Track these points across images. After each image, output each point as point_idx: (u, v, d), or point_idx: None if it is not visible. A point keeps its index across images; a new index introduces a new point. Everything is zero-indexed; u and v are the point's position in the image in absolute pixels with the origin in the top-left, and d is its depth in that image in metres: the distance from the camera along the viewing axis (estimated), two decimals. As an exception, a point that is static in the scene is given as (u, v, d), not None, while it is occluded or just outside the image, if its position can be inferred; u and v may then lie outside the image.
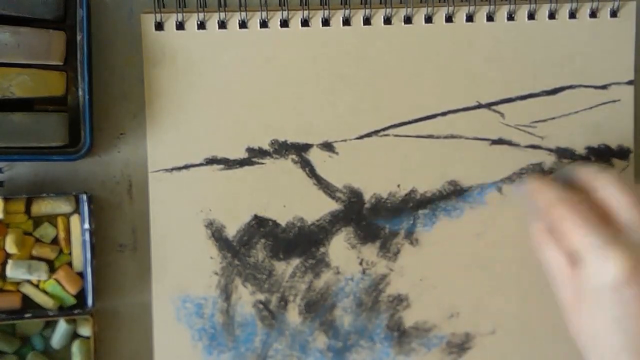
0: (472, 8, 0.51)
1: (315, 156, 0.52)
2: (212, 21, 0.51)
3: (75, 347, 0.50)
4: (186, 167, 0.51)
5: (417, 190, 0.52)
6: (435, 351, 0.53)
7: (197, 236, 0.51)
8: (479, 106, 0.52)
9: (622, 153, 0.53)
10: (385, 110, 0.52)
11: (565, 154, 0.52)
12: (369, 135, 0.52)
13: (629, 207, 0.46)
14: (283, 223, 0.52)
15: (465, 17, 0.51)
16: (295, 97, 0.51)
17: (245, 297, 0.52)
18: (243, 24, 0.51)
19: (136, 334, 0.52)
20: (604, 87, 0.52)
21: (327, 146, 0.52)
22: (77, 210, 0.50)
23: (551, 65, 0.52)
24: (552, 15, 0.52)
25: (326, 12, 0.51)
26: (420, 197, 0.52)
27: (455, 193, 0.52)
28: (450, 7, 0.51)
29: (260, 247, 0.52)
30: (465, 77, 0.52)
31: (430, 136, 0.52)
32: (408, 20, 0.51)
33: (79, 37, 0.48)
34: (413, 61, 0.52)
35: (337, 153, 0.52)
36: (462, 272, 0.52)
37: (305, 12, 0.51)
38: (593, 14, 0.52)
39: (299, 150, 0.51)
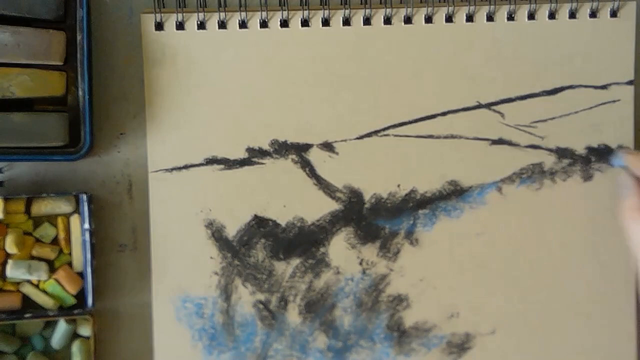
0: (472, 8, 0.51)
1: (315, 156, 0.52)
2: (212, 21, 0.51)
3: (75, 347, 0.50)
4: (186, 167, 0.51)
5: (417, 190, 0.52)
6: (435, 351, 0.53)
7: (197, 236, 0.51)
8: (479, 106, 0.52)
9: (622, 153, 0.53)
10: (385, 110, 0.52)
11: (565, 154, 0.52)
12: (369, 135, 0.52)
13: None
14: (283, 223, 0.52)
15: (465, 17, 0.51)
16: (295, 97, 0.51)
17: (245, 297, 0.52)
18: (243, 24, 0.51)
19: (136, 334, 0.52)
20: (604, 87, 0.52)
21: (327, 146, 0.52)
22: (77, 210, 0.50)
23: (551, 65, 0.52)
24: (552, 15, 0.52)
25: (326, 12, 0.51)
26: (420, 197, 0.52)
27: (455, 193, 0.52)
28: (450, 7, 0.51)
29: (260, 247, 0.52)
30: (465, 77, 0.52)
31: (430, 136, 0.52)
32: (408, 20, 0.51)
33: (79, 37, 0.48)
34: (413, 61, 0.52)
35: (337, 153, 0.52)
36: (462, 272, 0.52)
37: (305, 12, 0.51)
38: (593, 14, 0.52)
39: (299, 150, 0.51)
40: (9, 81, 0.47)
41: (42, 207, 0.49)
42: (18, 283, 0.49)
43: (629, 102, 0.52)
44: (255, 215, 0.52)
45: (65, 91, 0.49)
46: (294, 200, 0.52)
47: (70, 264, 0.50)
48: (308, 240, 0.52)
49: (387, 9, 0.51)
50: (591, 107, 0.52)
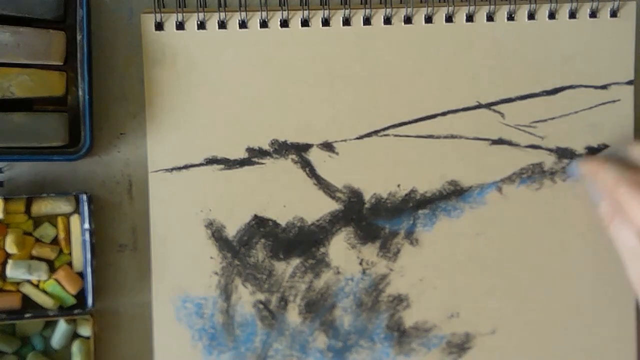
0: (472, 8, 0.51)
1: (315, 156, 0.52)
2: (212, 21, 0.51)
3: (75, 347, 0.50)
4: (186, 167, 0.51)
5: (417, 190, 0.52)
6: (435, 351, 0.53)
7: (197, 236, 0.51)
8: (479, 106, 0.52)
9: (622, 153, 0.53)
10: (385, 110, 0.52)
11: (565, 154, 0.52)
12: (369, 135, 0.52)
13: None
14: (283, 223, 0.52)
15: (465, 17, 0.51)
16: (295, 97, 0.51)
17: (245, 297, 0.52)
18: (243, 24, 0.51)
19: (136, 334, 0.52)
20: (604, 87, 0.52)
21: (327, 146, 0.52)
22: (77, 210, 0.50)
23: (551, 65, 0.52)
24: (552, 15, 0.52)
25: (326, 12, 0.51)
26: (420, 197, 0.52)
27: (455, 193, 0.52)
28: (450, 7, 0.51)
29: (260, 247, 0.52)
30: (465, 77, 0.52)
31: (430, 136, 0.52)
32: (408, 20, 0.51)
33: (79, 37, 0.48)
34: (413, 61, 0.52)
35: (337, 153, 0.52)
36: (462, 272, 0.52)
37: (305, 12, 0.51)
38: (593, 14, 0.52)
39: (299, 150, 0.51)
40: (9, 81, 0.47)
41: (42, 207, 0.49)
42: (18, 283, 0.49)
43: (629, 102, 0.52)
44: (255, 215, 0.52)
45: (65, 91, 0.49)
46: (294, 200, 0.52)
47: (70, 264, 0.50)
48: (308, 240, 0.52)
49: (387, 9, 0.51)
50: (591, 107, 0.52)
